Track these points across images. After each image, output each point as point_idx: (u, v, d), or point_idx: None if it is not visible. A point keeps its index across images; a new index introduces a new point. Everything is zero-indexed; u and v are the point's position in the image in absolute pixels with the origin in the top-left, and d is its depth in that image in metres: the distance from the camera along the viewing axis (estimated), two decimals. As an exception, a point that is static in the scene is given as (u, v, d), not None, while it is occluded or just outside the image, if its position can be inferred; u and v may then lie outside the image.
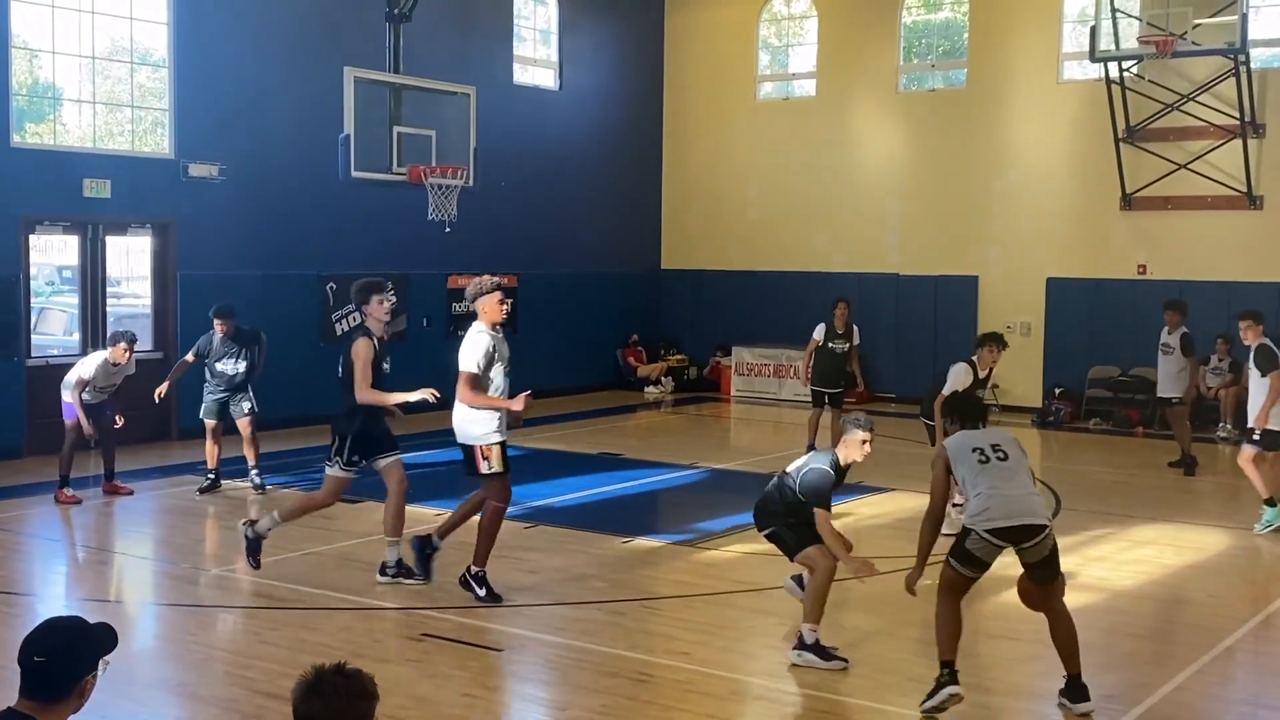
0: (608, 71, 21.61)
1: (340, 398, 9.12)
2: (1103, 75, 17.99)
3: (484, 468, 8.49)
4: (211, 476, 12.38)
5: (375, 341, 9.04)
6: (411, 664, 7.18)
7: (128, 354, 11.90)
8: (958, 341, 19.56)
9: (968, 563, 6.71)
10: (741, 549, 10.32)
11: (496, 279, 8.86)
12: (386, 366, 9.24)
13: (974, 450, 6.79)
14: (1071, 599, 7.82)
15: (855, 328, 14.75)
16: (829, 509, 7.49)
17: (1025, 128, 19.52)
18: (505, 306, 8.85)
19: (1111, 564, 10.01)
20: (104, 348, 12.34)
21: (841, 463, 7.57)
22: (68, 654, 3.48)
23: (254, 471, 12.42)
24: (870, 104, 20.73)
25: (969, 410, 7.57)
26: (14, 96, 14.25)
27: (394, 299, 9.51)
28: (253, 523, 9.17)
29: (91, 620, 3.69)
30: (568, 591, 8.90)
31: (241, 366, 12.38)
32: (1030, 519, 6.61)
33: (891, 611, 8.65)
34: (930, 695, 6.59)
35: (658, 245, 22.76)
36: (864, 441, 7.55)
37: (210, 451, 12.36)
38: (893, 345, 20.02)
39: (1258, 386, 11.24)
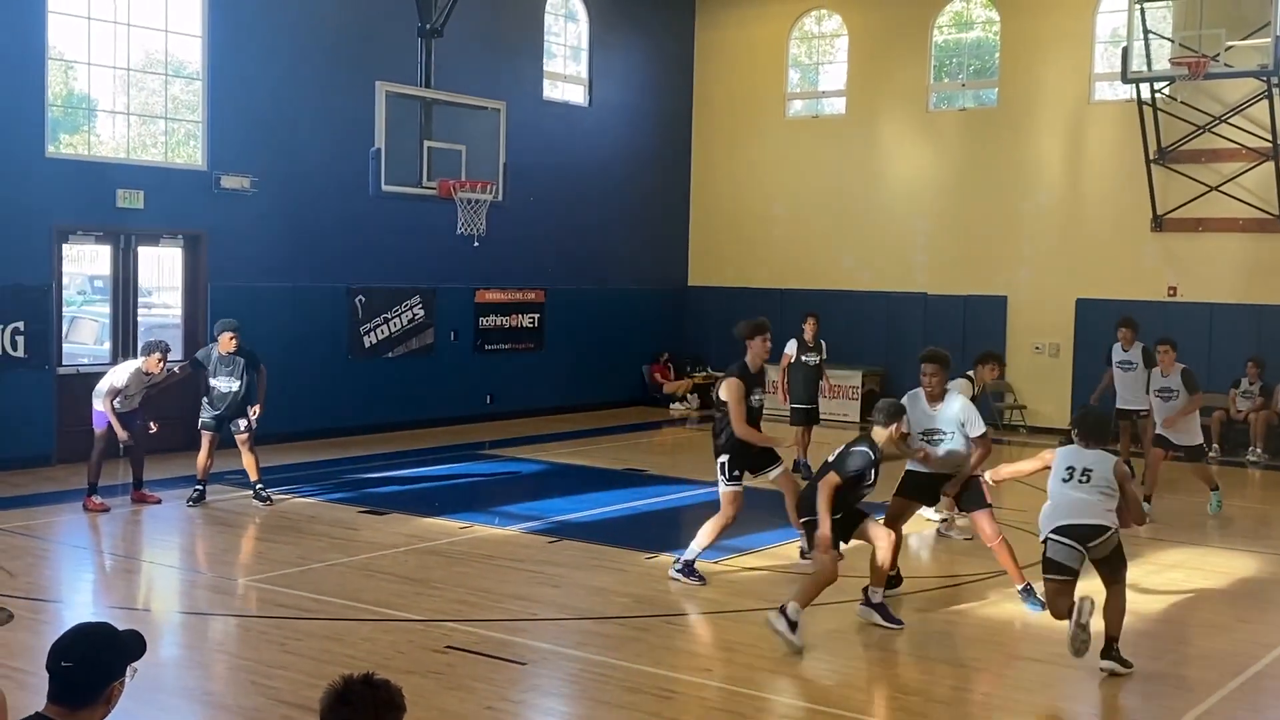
0: (637, 88, 21.67)
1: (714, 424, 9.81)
2: (1134, 96, 17.93)
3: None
4: (200, 489, 12.29)
5: (744, 377, 9.45)
6: (435, 676, 7.18)
7: (161, 364, 11.96)
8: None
9: (1051, 570, 7.54)
10: (766, 567, 10.29)
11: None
12: (756, 399, 9.57)
13: (1068, 468, 7.58)
14: (1098, 621, 7.76)
15: (823, 342, 14.93)
16: (842, 478, 8.14)
17: (1056, 148, 19.46)
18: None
19: (1139, 588, 9.91)
20: (135, 356, 12.43)
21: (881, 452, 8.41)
22: (96, 660, 3.50)
23: (259, 486, 12.34)
24: (900, 122, 20.71)
25: (1092, 427, 7.79)
26: (49, 107, 14.39)
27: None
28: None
29: (120, 627, 3.72)
30: (591, 606, 8.89)
31: (236, 386, 12.21)
32: (1091, 519, 7.43)
33: (919, 638, 8.60)
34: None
35: (685, 262, 22.78)
36: (892, 432, 8.46)
37: (202, 464, 12.25)
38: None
39: None
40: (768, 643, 8.32)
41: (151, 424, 12.12)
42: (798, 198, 21.51)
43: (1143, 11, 17.52)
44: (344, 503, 12.63)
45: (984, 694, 7.31)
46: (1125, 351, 14.49)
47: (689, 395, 21.56)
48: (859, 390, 20.01)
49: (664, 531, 12.23)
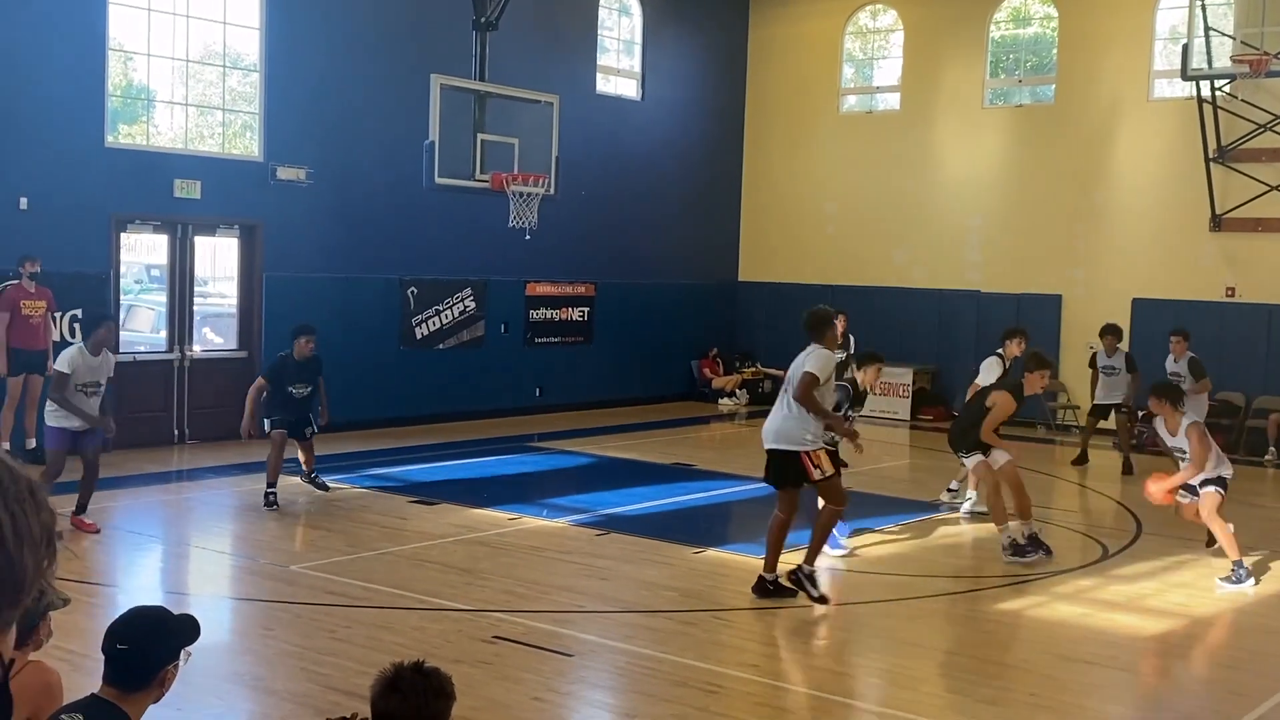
0: (690, 82, 21.64)
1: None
2: (1194, 94, 17.68)
3: (817, 475, 8.80)
4: (274, 492, 11.55)
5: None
6: (483, 666, 7.22)
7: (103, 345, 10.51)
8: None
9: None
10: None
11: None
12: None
13: None
14: (1151, 625, 7.68)
15: (852, 337, 14.91)
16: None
17: (1113, 146, 19.23)
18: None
19: (1192, 590, 9.80)
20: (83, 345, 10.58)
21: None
22: (150, 644, 3.55)
23: (314, 475, 12.08)
24: (955, 119, 20.55)
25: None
26: (109, 98, 14.58)
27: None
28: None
29: (174, 612, 3.76)
30: (639, 599, 8.90)
31: (308, 391, 11.84)
32: None
33: (964, 637, 8.55)
34: None
35: (735, 257, 22.74)
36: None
37: (276, 466, 11.58)
38: (972, 363, 19.76)
39: None
40: (815, 639, 8.31)
41: (110, 430, 10.68)
42: (850, 194, 21.40)
43: (1204, 8, 17.26)
44: (394, 492, 12.71)
45: (1031, 694, 7.25)
46: (1109, 358, 15.70)
47: (738, 390, 21.51)
48: (909, 388, 19.89)
49: (712, 526, 12.23)
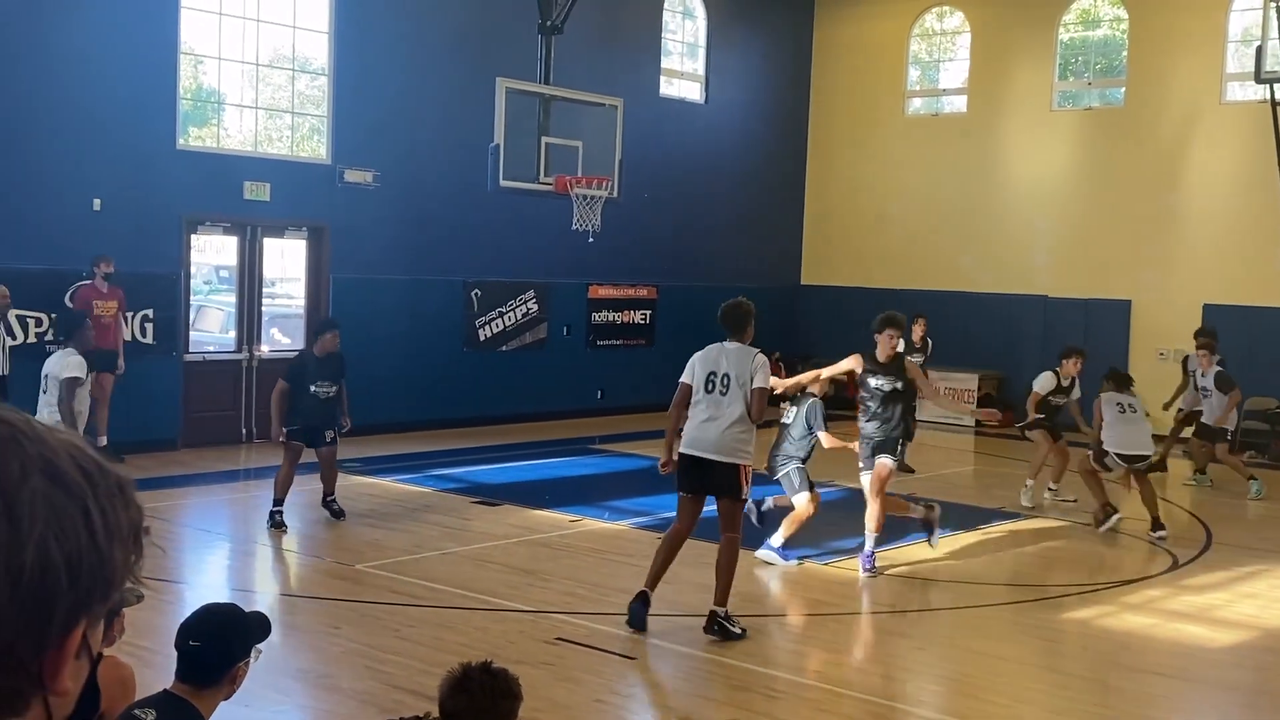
0: (754, 85, 21.59)
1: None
2: (1268, 97, 17.35)
3: (744, 493, 8.19)
4: (281, 510, 10.81)
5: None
6: (545, 667, 7.24)
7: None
8: (1107, 368, 19.02)
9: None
10: (876, 568, 10.17)
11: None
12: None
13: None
14: (1221, 636, 7.55)
15: (930, 342, 14.81)
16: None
17: (1185, 149, 18.93)
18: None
19: (1264, 601, 9.62)
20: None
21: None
22: (223, 640, 3.59)
23: (331, 499, 11.22)
24: (1022, 121, 20.33)
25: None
26: (180, 101, 14.80)
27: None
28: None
29: (243, 609, 3.81)
30: (699, 603, 8.86)
31: (333, 391, 11.01)
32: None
33: (1027, 646, 8.44)
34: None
35: (798, 261, 22.64)
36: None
37: (286, 480, 10.84)
38: (1039, 368, 19.52)
39: None
40: (877, 647, 8.25)
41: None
42: (915, 197, 21.24)
43: (1278, 9, 16.95)
44: (457, 492, 12.79)
45: (1098, 705, 7.15)
46: (1203, 377, 14.82)
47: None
48: (975, 393, 19.69)
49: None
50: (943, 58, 21.90)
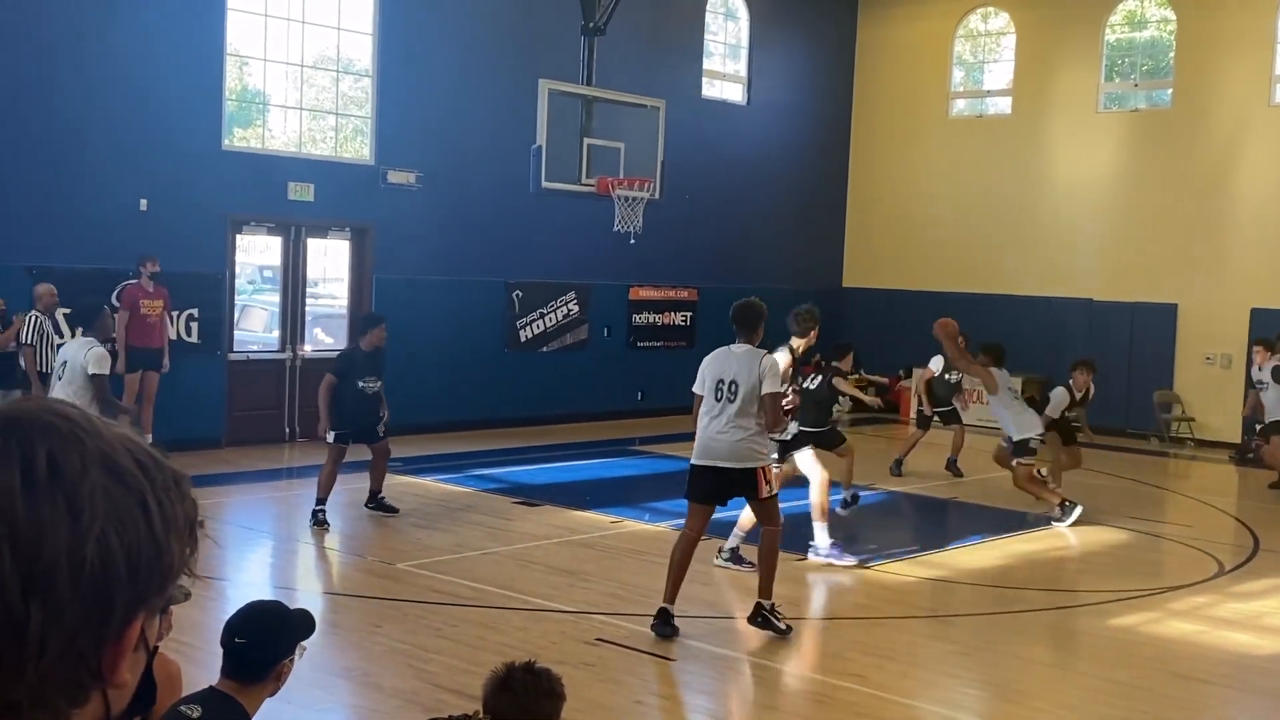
0: (796, 86, 21.52)
1: None
2: (1320, 97, 17.12)
3: (766, 491, 8.02)
4: (324, 508, 10.80)
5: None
6: (586, 668, 7.24)
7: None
8: (1153, 372, 18.88)
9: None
10: (918, 573, 10.12)
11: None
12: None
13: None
14: (1269, 644, 7.43)
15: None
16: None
17: (1233, 151, 18.70)
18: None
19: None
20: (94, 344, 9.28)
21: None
22: (268, 638, 3.61)
23: (381, 495, 11.36)
24: (1068, 123, 20.15)
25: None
26: (225, 102, 14.92)
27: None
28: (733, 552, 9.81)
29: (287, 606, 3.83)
30: (741, 605, 8.85)
31: (377, 386, 11.03)
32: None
33: (1077, 652, 8.36)
34: None
35: (840, 263, 22.55)
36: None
37: (331, 480, 10.86)
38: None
39: None
40: (920, 651, 8.19)
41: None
42: (958, 199, 21.10)
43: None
44: (498, 493, 12.82)
45: (1145, 712, 7.06)
46: (1260, 371, 14.79)
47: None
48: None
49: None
50: (987, 59, 21.76)
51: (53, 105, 13.17)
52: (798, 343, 9.84)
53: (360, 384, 10.87)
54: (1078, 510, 11.94)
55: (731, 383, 7.93)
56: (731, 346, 8.14)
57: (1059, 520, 11.92)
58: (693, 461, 8.07)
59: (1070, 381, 13.20)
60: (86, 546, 1.02)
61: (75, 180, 13.31)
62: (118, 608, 1.04)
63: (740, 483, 7.96)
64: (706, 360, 8.19)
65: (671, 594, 7.97)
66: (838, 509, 11.55)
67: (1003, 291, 20.34)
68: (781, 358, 9.13)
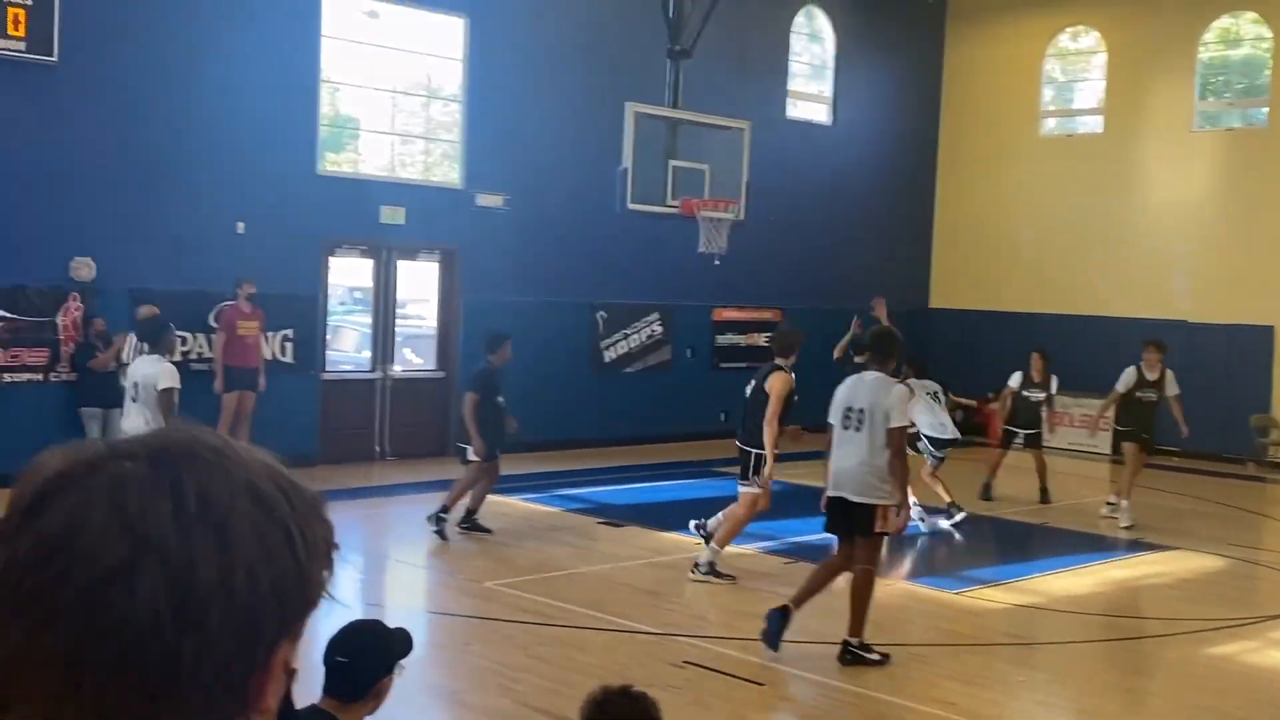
0: (882, 106, 21.42)
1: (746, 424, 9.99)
2: None
3: (879, 527, 7.85)
4: (447, 518, 11.15)
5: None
6: (674, 690, 7.24)
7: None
8: (1249, 395, 18.44)
9: None
10: (1007, 600, 9.99)
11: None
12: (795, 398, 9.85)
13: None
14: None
15: (1054, 378, 14.47)
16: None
17: (1333, 170, 18.26)
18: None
19: None
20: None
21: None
22: (369, 656, 3.67)
23: (477, 517, 11.43)
24: (1160, 142, 19.83)
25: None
26: (320, 127, 15.22)
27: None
28: (696, 566, 9.93)
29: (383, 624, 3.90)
30: (830, 630, 8.79)
31: (503, 402, 11.40)
32: None
33: (1178, 682, 8.20)
34: None
35: (926, 284, 22.37)
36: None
37: (463, 493, 11.25)
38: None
39: None
40: (1011, 679, 8.09)
41: None
42: (1048, 218, 20.84)
43: None
44: (583, 513, 12.89)
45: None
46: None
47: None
48: (1110, 421, 19.16)
49: (900, 557, 12.02)
50: (1078, 78, 21.49)
51: (154, 132, 13.52)
52: (784, 362, 10.00)
53: (497, 400, 11.19)
54: (962, 514, 12.75)
55: (859, 411, 7.84)
56: (864, 374, 8.08)
57: (948, 519, 12.75)
58: (825, 492, 8.04)
59: (1141, 362, 13.34)
60: (236, 577, 1.04)
61: (175, 204, 13.65)
62: (266, 636, 1.06)
63: (856, 516, 7.84)
64: (840, 387, 8.17)
65: (798, 598, 7.96)
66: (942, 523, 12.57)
67: (1094, 313, 20.03)
68: (781, 380, 9.68)
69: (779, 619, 7.87)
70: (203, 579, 1.02)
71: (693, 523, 10.86)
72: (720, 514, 10.39)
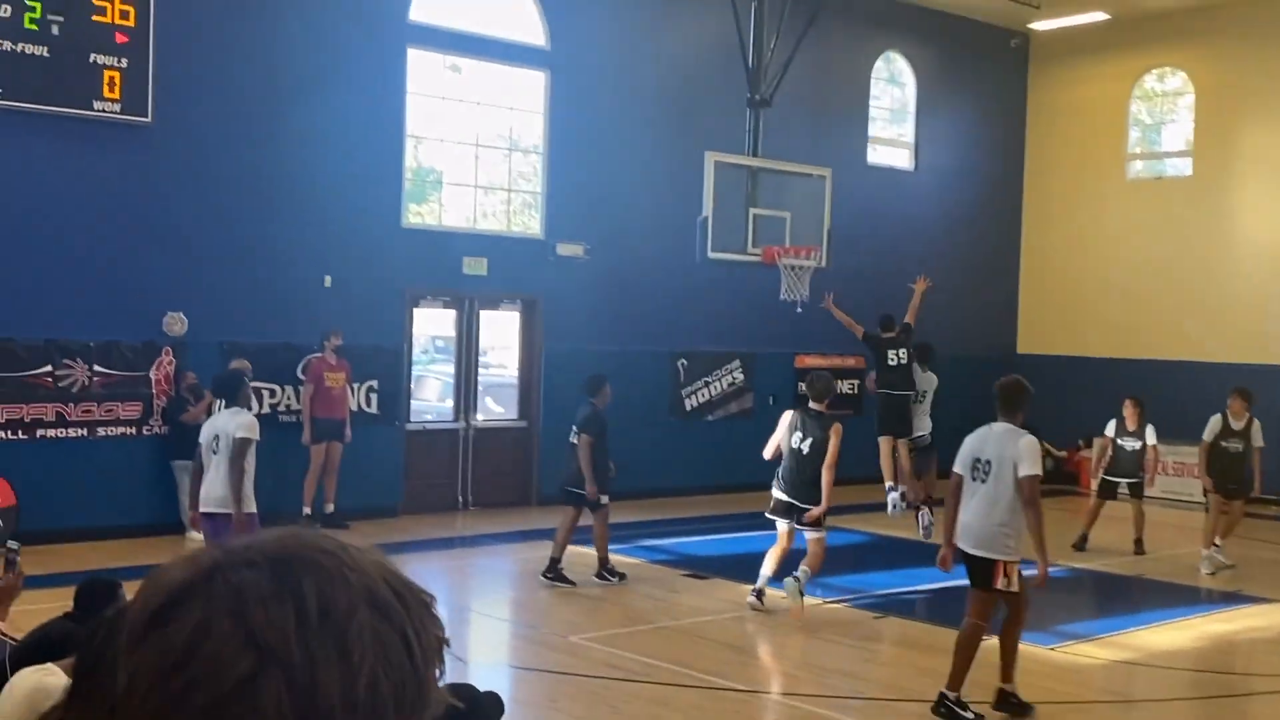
0: (965, 151, 21.25)
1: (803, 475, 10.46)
2: None
3: (1002, 584, 7.71)
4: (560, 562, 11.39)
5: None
6: (763, 750, 7.13)
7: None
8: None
9: None
10: (1104, 655, 9.72)
11: None
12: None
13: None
14: None
15: (1151, 426, 14.13)
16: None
17: None
18: None
19: None
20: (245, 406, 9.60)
21: None
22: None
23: (562, 567, 11.44)
24: (1254, 183, 19.42)
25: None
26: (405, 180, 15.42)
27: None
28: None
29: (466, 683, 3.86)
30: (922, 688, 8.61)
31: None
32: None
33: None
34: None
35: (1013, 329, 22.05)
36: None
37: (568, 533, 11.40)
38: (1276, 442, 18.49)
39: None
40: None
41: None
42: (1137, 262, 20.47)
43: None
44: (666, 564, 12.79)
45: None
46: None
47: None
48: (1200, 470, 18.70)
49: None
50: (1165, 119, 21.16)
51: (244, 188, 13.78)
52: (821, 407, 10.68)
53: (606, 444, 11.30)
54: (897, 507, 13.85)
55: (986, 462, 7.71)
56: (993, 424, 7.94)
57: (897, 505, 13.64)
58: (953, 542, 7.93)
59: (1227, 410, 13.27)
60: (359, 687, 1.02)
61: (264, 259, 13.88)
62: (385, 744, 1.04)
63: (978, 570, 7.71)
64: (969, 437, 8.04)
65: (955, 679, 7.74)
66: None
67: (1186, 358, 19.59)
68: (839, 428, 10.45)
69: (949, 713, 7.71)
70: (326, 690, 1.01)
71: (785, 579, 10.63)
72: (804, 565, 10.27)
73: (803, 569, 10.21)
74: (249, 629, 0.97)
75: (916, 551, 14.36)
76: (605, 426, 11.37)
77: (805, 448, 10.41)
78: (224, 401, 9.55)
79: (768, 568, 10.42)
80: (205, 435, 9.25)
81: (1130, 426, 14.21)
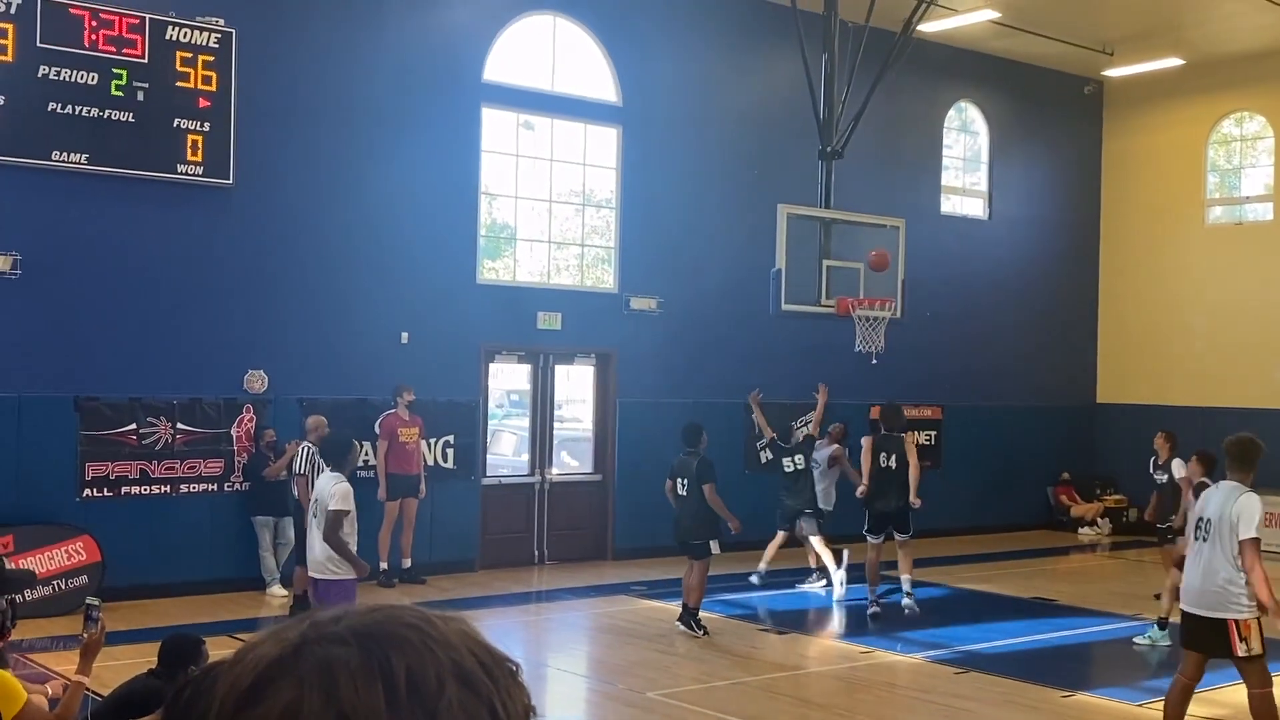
0: (1040, 199, 21.07)
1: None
2: None
3: (1242, 650, 7.36)
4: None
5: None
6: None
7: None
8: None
9: None
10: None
11: None
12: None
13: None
14: None
15: (1178, 460, 13.69)
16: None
17: None
18: None
19: None
20: (331, 464, 9.17)
21: None
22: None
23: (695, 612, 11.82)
24: (1337, 227, 19.02)
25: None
26: (480, 237, 15.60)
27: None
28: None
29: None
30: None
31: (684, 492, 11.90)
32: None
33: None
34: None
35: (1093, 378, 21.72)
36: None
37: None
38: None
39: None
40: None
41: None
42: (1220, 308, 20.10)
43: None
44: (742, 619, 12.69)
45: None
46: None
47: (1099, 519, 20.37)
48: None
49: (1078, 667, 11.52)
50: (1244, 164, 20.84)
51: (322, 247, 14.03)
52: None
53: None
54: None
55: (1207, 521, 7.50)
56: (1221, 483, 7.75)
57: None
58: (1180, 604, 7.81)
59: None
60: None
61: (342, 316, 14.08)
62: (475, 819, 1.03)
63: (1209, 633, 7.44)
64: (1202, 493, 7.95)
65: None
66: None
67: (1272, 406, 19.15)
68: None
69: None
70: None
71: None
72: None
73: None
74: (340, 710, 0.97)
75: (996, 605, 14.13)
76: (717, 472, 11.86)
77: (894, 463, 12.49)
78: (332, 465, 9.10)
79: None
80: (314, 493, 9.19)
81: (1161, 459, 13.86)
